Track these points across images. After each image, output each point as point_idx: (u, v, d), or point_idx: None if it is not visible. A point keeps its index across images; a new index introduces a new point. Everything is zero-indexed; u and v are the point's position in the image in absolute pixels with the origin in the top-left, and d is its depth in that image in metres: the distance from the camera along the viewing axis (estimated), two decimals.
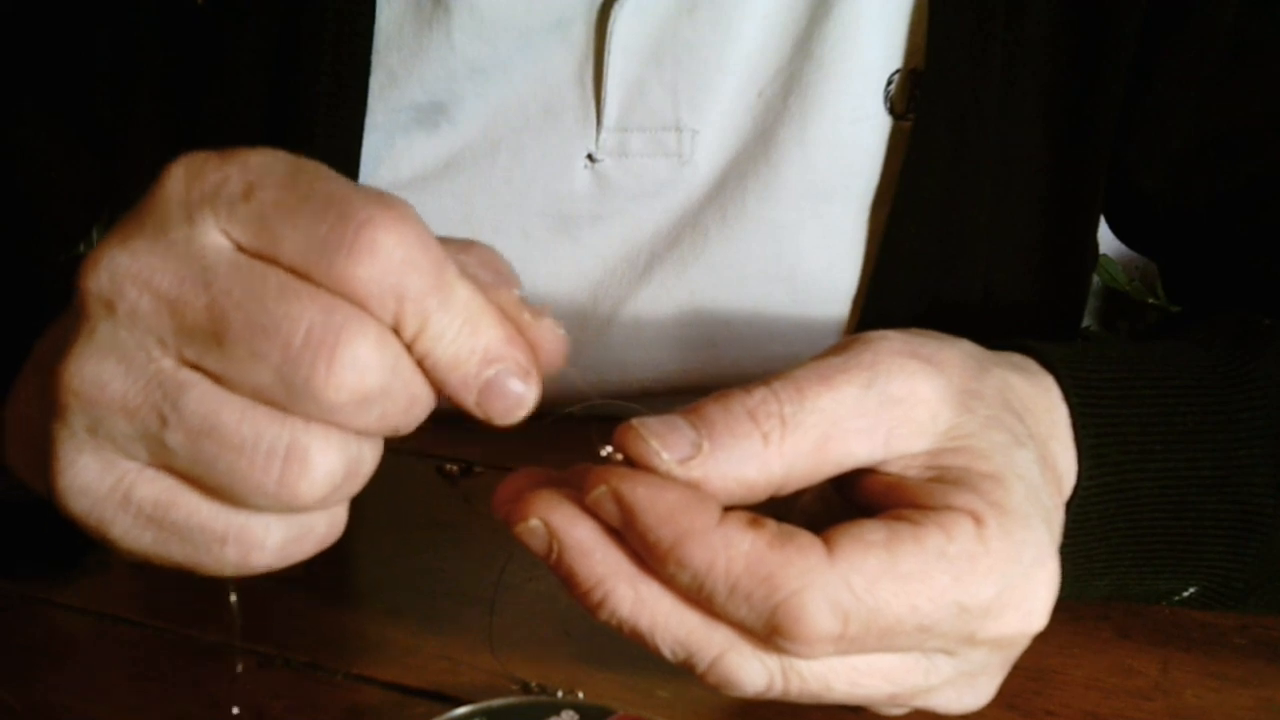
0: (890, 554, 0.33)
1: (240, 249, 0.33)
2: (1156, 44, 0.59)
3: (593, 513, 0.34)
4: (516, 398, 0.34)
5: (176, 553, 0.35)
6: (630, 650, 0.35)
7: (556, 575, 0.35)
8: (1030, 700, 0.42)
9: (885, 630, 0.33)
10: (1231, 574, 0.44)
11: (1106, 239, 0.69)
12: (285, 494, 0.33)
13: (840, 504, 0.38)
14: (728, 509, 0.34)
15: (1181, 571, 0.44)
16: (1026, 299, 0.65)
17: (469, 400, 0.34)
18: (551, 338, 0.35)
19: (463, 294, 0.34)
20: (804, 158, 0.61)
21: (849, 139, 0.61)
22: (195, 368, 0.33)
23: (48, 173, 0.65)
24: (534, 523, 0.34)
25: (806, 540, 0.33)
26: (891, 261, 0.62)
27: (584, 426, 0.37)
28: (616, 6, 0.59)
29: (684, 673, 0.35)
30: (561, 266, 0.64)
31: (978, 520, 0.34)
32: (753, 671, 0.35)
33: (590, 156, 0.62)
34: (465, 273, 0.34)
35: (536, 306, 0.35)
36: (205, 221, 0.33)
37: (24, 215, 0.65)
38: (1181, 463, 0.43)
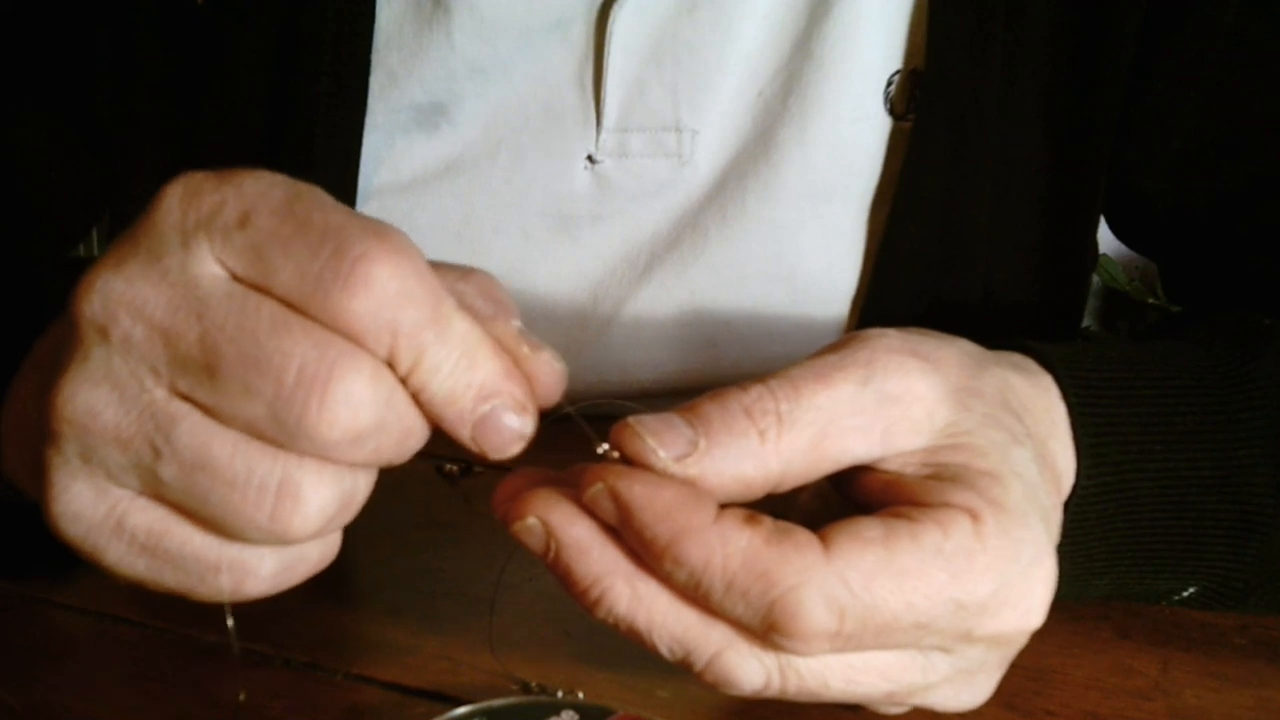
0: (887, 551, 0.33)
1: (235, 278, 0.33)
2: (1156, 44, 0.59)
3: (590, 511, 0.34)
4: (512, 433, 0.34)
5: (170, 579, 0.35)
6: (630, 650, 0.35)
7: (554, 574, 0.35)
8: (1030, 700, 0.42)
9: (882, 627, 0.33)
10: (1231, 574, 0.44)
11: (1106, 239, 0.69)
12: (278, 528, 0.33)
13: (839, 502, 0.38)
14: (724, 506, 0.34)
15: (1181, 571, 0.44)
16: (1026, 299, 0.65)
17: (464, 435, 0.34)
18: (549, 371, 0.35)
19: (459, 327, 0.34)
20: (804, 158, 0.61)
21: (849, 139, 0.61)
22: (187, 399, 0.33)
23: (48, 172, 0.65)
24: (531, 521, 0.34)
25: (803, 537, 0.33)
26: (891, 262, 0.62)
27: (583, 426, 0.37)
28: (616, 7, 0.59)
29: (683, 673, 0.35)
30: (562, 267, 0.64)
31: (975, 518, 0.34)
32: (750, 669, 0.35)
33: (590, 157, 0.62)
34: (463, 304, 0.34)
35: (535, 339, 0.35)
36: (200, 248, 0.33)
37: (24, 215, 0.65)
38: (1181, 462, 0.43)
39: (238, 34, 0.60)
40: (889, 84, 0.61)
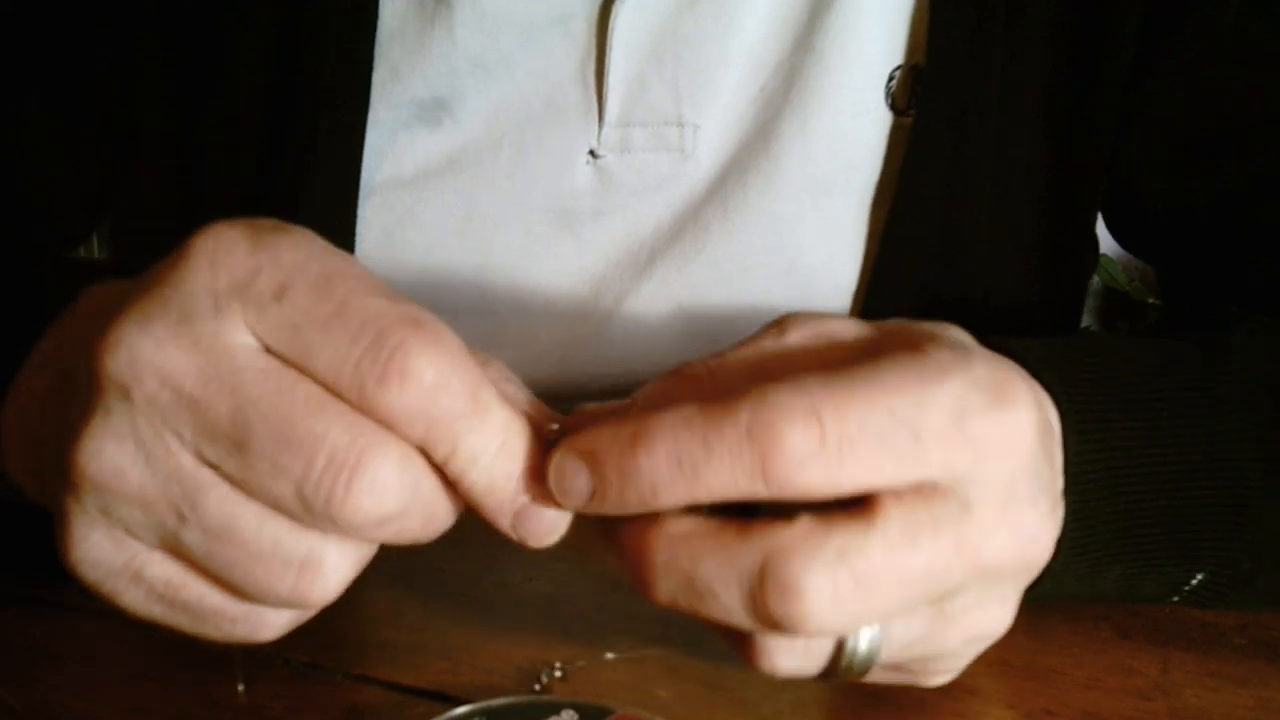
0: (838, 375, 0.33)
1: (268, 349, 0.33)
2: (1156, 43, 0.59)
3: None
4: (552, 522, 0.35)
5: (185, 625, 0.36)
6: (631, 648, 0.35)
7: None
8: (1030, 700, 0.42)
9: (863, 423, 0.32)
10: (1235, 553, 0.44)
11: (1107, 239, 0.69)
12: (298, 598, 0.34)
13: None
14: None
15: (1186, 553, 0.43)
16: (1026, 295, 0.65)
17: (504, 524, 0.35)
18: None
19: (498, 417, 0.34)
20: (805, 152, 0.61)
21: (850, 134, 0.62)
22: (213, 467, 0.33)
23: (49, 172, 0.65)
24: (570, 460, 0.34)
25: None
26: (891, 256, 0.62)
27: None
28: (617, 3, 0.59)
29: (683, 673, 0.35)
30: (564, 262, 0.64)
31: (915, 348, 0.34)
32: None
33: (592, 152, 0.62)
34: (499, 390, 0.34)
35: (560, 416, 0.36)
36: (234, 318, 0.33)
37: (25, 215, 0.65)
38: (1169, 445, 0.42)
39: (240, 31, 0.60)
40: (890, 79, 0.61)
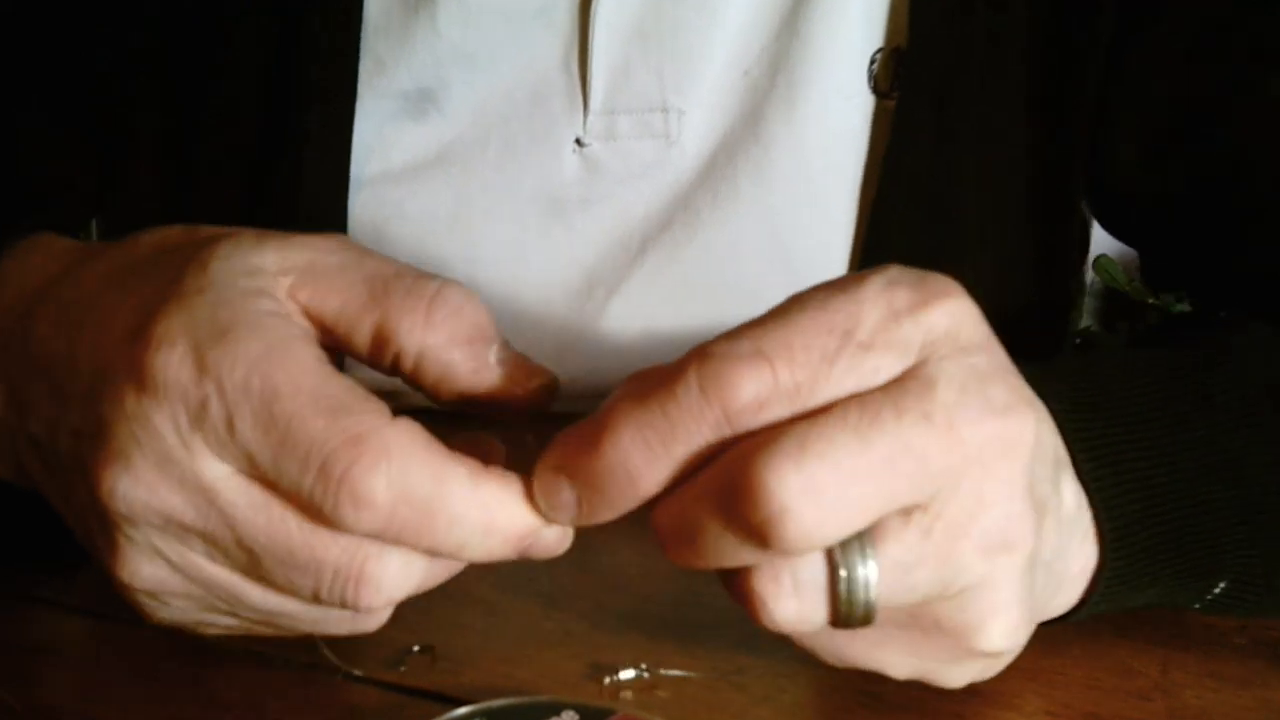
0: (766, 316, 0.34)
1: (248, 475, 0.34)
2: (1135, 25, 0.60)
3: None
4: (553, 543, 0.35)
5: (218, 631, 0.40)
6: (630, 651, 0.35)
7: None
8: (1030, 700, 0.42)
9: (807, 347, 0.32)
10: (1253, 560, 0.43)
11: (1108, 240, 0.69)
12: (360, 626, 0.38)
13: None
14: None
15: (1211, 564, 0.43)
16: (1015, 280, 0.65)
17: (510, 557, 0.36)
18: (540, 388, 0.38)
19: (469, 505, 0.34)
20: (792, 136, 0.61)
21: (836, 117, 0.62)
22: (236, 570, 0.36)
23: (44, 166, 0.65)
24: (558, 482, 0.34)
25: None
26: (880, 240, 0.62)
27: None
28: None
29: (683, 673, 0.35)
30: (555, 252, 0.64)
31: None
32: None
33: (578, 141, 0.62)
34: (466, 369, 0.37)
35: (518, 356, 0.38)
36: (204, 453, 0.34)
37: (20, 209, 0.65)
38: (1181, 450, 0.42)
39: (229, 25, 0.61)
40: (872, 62, 0.61)
